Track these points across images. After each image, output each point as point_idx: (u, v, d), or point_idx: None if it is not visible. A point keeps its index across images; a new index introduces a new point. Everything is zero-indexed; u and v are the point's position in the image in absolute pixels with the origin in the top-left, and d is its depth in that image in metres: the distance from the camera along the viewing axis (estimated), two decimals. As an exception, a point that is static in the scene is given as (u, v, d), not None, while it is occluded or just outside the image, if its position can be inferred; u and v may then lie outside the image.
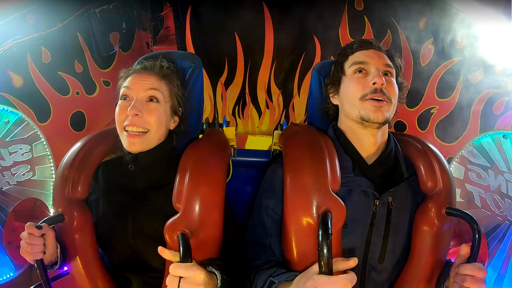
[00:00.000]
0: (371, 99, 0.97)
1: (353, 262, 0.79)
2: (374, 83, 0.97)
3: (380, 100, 0.96)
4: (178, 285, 0.77)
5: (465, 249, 0.87)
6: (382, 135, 1.03)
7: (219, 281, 0.85)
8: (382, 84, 0.97)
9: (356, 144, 1.03)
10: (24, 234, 0.92)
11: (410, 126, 2.00)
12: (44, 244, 0.94)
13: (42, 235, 0.93)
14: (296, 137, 1.08)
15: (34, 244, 0.91)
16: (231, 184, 1.10)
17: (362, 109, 0.97)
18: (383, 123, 0.99)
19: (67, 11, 1.71)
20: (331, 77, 1.10)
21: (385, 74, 1.00)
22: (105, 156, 1.11)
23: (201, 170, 0.96)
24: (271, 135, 1.48)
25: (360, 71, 1.01)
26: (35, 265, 0.93)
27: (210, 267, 0.87)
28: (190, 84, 1.13)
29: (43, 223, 0.94)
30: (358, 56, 1.04)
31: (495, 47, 1.51)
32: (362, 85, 0.99)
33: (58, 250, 0.98)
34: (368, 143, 1.02)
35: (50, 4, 1.56)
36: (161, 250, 0.83)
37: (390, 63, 1.03)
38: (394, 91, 1.01)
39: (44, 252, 0.94)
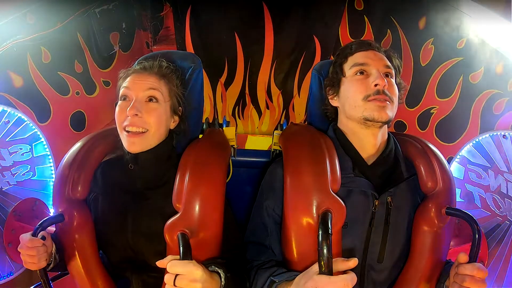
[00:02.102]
0: (374, 99, 0.97)
1: (353, 262, 0.78)
2: (376, 85, 0.97)
3: (382, 101, 0.97)
4: (174, 282, 0.77)
5: (463, 257, 0.87)
6: (382, 135, 1.03)
7: (222, 279, 0.85)
8: (384, 86, 0.97)
9: (356, 145, 1.03)
10: (23, 248, 0.91)
11: (410, 126, 1.99)
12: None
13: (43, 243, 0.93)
14: (296, 137, 1.08)
15: (40, 255, 0.91)
16: (231, 184, 1.10)
17: (366, 109, 0.97)
18: (387, 122, 0.99)
19: (67, 11, 1.71)
20: (330, 78, 1.10)
21: (386, 75, 1.01)
22: (105, 156, 1.11)
23: (201, 170, 0.96)
24: (271, 135, 1.48)
25: (361, 73, 1.01)
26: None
27: (213, 266, 0.87)
28: (190, 84, 1.13)
29: (40, 230, 0.94)
30: (357, 57, 1.03)
31: (495, 47, 1.51)
32: (364, 86, 0.99)
33: (54, 249, 0.98)
34: (369, 143, 1.02)
35: (50, 4, 1.56)
36: (160, 264, 0.83)
37: (389, 64, 1.03)
38: (395, 92, 1.01)
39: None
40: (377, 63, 1.01)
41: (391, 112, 0.98)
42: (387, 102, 0.97)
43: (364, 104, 0.98)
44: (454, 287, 0.86)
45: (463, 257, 0.87)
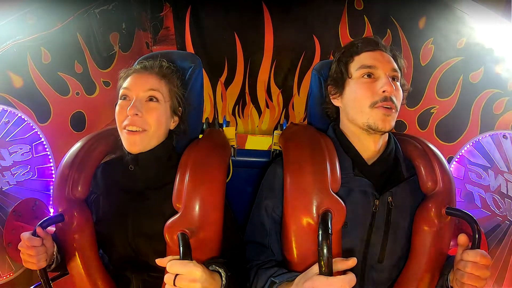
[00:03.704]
0: (381, 106, 0.95)
1: (352, 262, 0.78)
2: (384, 91, 0.95)
3: (389, 108, 0.95)
4: (174, 282, 0.77)
5: (462, 239, 0.87)
6: (383, 138, 1.03)
7: (223, 279, 0.85)
8: (392, 92, 0.96)
9: (357, 145, 1.02)
10: (23, 247, 0.91)
11: (410, 126, 1.99)
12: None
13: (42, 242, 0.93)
14: (296, 137, 1.08)
15: (39, 255, 0.91)
16: (231, 184, 1.11)
17: (371, 117, 0.96)
18: (389, 131, 0.99)
19: (67, 11, 1.71)
20: (333, 77, 1.07)
21: (393, 79, 0.99)
22: (105, 156, 1.11)
23: (201, 170, 0.97)
24: (271, 135, 1.48)
25: (368, 76, 0.99)
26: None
27: (213, 265, 0.87)
28: (190, 84, 1.13)
29: (39, 229, 0.93)
30: (365, 58, 1.01)
31: (495, 47, 1.51)
32: (371, 91, 0.96)
33: (55, 249, 0.98)
34: (370, 147, 1.02)
35: (50, 4, 1.56)
36: (159, 262, 0.83)
37: (396, 66, 1.01)
38: (400, 97, 1.00)
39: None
40: (385, 66, 0.98)
41: (394, 121, 0.97)
42: (393, 110, 0.96)
43: (370, 111, 0.96)
44: (457, 273, 0.86)
45: (463, 239, 0.87)
